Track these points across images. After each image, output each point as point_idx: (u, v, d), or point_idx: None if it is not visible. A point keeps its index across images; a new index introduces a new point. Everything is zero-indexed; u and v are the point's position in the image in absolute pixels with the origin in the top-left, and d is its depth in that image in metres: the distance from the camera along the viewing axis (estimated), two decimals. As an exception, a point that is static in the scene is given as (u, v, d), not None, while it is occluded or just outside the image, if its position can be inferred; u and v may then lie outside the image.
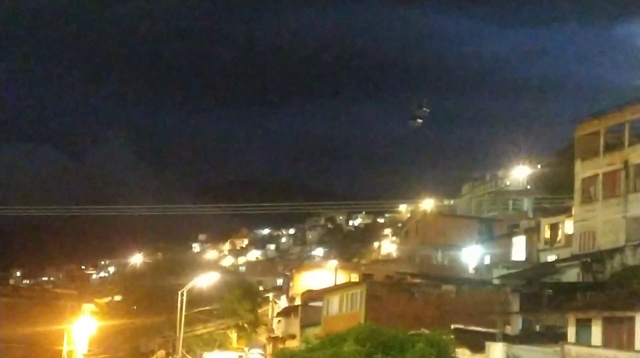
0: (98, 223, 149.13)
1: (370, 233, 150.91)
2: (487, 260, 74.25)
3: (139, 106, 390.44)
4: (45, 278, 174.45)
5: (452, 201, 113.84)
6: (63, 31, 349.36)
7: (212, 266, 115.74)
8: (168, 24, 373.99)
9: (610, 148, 54.95)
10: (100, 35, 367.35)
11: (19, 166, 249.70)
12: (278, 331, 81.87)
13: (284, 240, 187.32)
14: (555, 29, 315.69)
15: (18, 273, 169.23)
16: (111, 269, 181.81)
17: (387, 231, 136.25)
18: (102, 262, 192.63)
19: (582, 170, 56.92)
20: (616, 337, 35.36)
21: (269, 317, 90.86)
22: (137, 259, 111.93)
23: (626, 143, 53.41)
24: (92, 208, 76.20)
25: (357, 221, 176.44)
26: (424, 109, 52.21)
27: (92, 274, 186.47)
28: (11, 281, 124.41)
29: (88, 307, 48.42)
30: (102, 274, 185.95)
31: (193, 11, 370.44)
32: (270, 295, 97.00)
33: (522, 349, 36.52)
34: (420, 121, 54.21)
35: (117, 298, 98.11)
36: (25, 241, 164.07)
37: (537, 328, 45.21)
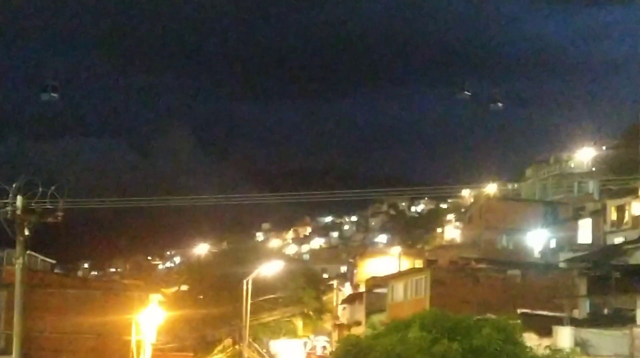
0: (163, 214, 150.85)
1: (433, 218, 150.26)
2: (552, 244, 73.58)
3: (199, 97, 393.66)
4: (112, 270, 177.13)
5: (515, 185, 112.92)
6: (125, 25, 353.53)
7: (276, 254, 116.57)
8: (227, 15, 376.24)
9: (677, 127, 54.07)
10: (163, 28, 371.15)
11: (85, 160, 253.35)
12: (343, 318, 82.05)
13: (346, 227, 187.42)
14: (618, 8, 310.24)
15: (86, 265, 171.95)
16: (177, 259, 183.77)
17: (450, 216, 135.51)
18: (168, 253, 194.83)
19: (649, 150, 56.06)
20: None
21: (334, 304, 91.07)
22: (202, 249, 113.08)
23: (693, 122, 52.51)
24: (157, 198, 76.90)
25: (420, 207, 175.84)
26: (466, 92, 51.96)
27: (158, 264, 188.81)
28: (79, 273, 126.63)
29: (155, 297, 48.86)
30: (168, 264, 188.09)
31: (252, 2, 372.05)
32: (335, 283, 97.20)
33: (590, 332, 36.14)
34: (500, 104, 53.96)
35: (184, 288, 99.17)
36: (92, 234, 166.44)
37: (605, 311, 44.67)
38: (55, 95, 47.51)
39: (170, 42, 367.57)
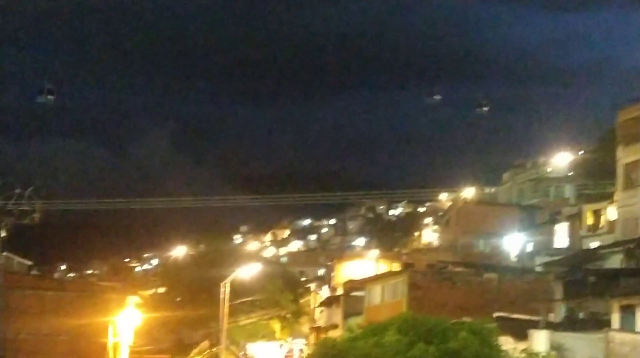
0: (141, 216, 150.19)
1: (411, 222, 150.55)
2: (529, 248, 73.96)
3: (178, 98, 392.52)
4: (89, 272, 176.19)
5: (493, 189, 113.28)
6: (101, 25, 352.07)
7: (254, 257, 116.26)
8: (207, 17, 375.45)
9: (652, 132, 54.48)
10: (140, 29, 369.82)
11: (62, 161, 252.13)
12: (320, 321, 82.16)
13: (324, 230, 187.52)
14: (597, 13, 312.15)
15: (63, 267, 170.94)
16: (154, 261, 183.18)
17: (428, 220, 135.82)
18: (145, 255, 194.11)
19: (625, 156, 56.44)
20: (661, 323, 35.12)
21: (311, 307, 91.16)
22: (179, 251, 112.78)
23: (669, 128, 52.95)
24: (134, 200, 76.77)
25: (398, 211, 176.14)
26: (435, 96, 52.28)
27: (135, 267, 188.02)
28: (56, 275, 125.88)
29: (132, 299, 48.77)
30: (145, 266, 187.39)
31: (232, 6, 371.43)
32: (312, 286, 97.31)
33: (565, 336, 36.35)
34: (485, 108, 54.32)
35: (161, 290, 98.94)
36: (69, 236, 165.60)
37: (581, 315, 44.94)
38: (51, 97, 47.46)
39: (149, 44, 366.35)
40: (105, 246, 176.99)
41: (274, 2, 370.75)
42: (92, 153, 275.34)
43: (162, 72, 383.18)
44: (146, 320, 53.89)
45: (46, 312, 41.53)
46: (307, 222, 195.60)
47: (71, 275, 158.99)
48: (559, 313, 46.44)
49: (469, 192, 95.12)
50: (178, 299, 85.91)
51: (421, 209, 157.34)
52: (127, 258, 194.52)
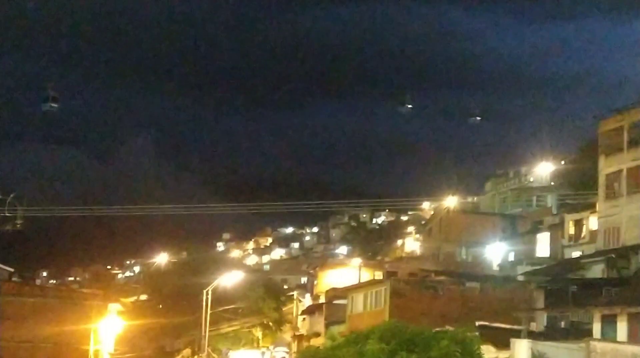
0: (123, 223, 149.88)
1: (393, 230, 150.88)
2: (511, 257, 74.07)
3: (161, 106, 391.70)
4: (71, 278, 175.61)
5: (475, 198, 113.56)
6: (84, 32, 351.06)
7: (237, 265, 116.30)
8: (188, 24, 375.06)
9: (634, 143, 54.75)
10: (122, 35, 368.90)
11: (44, 167, 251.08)
12: (303, 329, 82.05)
13: (307, 238, 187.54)
14: (578, 24, 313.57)
15: (44, 274, 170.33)
16: (136, 269, 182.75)
17: (411, 228, 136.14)
18: (128, 262, 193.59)
19: (606, 166, 56.72)
20: (642, 332, 35.29)
21: (294, 315, 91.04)
22: (162, 259, 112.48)
23: (650, 138, 53.25)
24: (117, 208, 76.53)
25: (381, 219, 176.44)
26: (407, 105, 52.44)
27: (117, 274, 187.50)
28: (38, 282, 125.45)
29: (114, 307, 48.68)
30: (127, 274, 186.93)
31: (216, 15, 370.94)
32: (295, 293, 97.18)
33: (547, 345, 36.45)
34: (478, 118, 54.66)
35: (143, 297, 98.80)
36: (51, 242, 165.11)
37: (562, 324, 45.11)
38: (55, 105, 47.54)
39: (132, 51, 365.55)
40: (87, 253, 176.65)
41: (256, 12, 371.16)
42: (75, 160, 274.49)
43: (145, 79, 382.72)
44: (128, 328, 53.79)
45: (27, 319, 41.43)
46: (290, 230, 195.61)
47: (53, 281, 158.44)
48: (540, 322, 46.58)
49: (451, 201, 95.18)
50: (160, 306, 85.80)
51: (404, 218, 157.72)
52: (109, 265, 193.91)
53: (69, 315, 41.99)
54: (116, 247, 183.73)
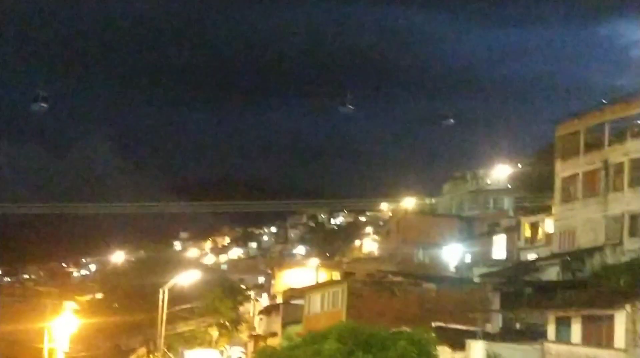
0: (79, 220, 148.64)
1: (351, 231, 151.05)
2: (467, 259, 74.59)
3: (118, 103, 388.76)
4: (26, 276, 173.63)
5: (433, 200, 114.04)
6: (44, 30, 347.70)
7: (194, 264, 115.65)
8: (149, 22, 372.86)
9: (590, 147, 55.33)
10: (80, 33, 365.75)
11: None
12: (259, 329, 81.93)
13: (265, 238, 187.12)
14: (537, 28, 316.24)
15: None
16: (92, 267, 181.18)
17: (369, 229, 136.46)
18: (84, 260, 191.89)
19: (563, 169, 57.30)
20: (595, 334, 35.65)
21: (251, 314, 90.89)
22: (118, 257, 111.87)
23: (606, 143, 53.83)
24: (73, 205, 75.97)
25: (339, 220, 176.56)
26: (348, 105, 52.60)
27: (73, 272, 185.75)
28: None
29: (69, 305, 48.34)
30: (83, 272, 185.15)
31: (177, 13, 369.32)
32: (252, 293, 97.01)
33: (502, 347, 36.78)
34: (452, 120, 54.98)
35: (99, 296, 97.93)
36: (5, 239, 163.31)
37: (517, 326, 45.51)
38: (45, 105, 47.46)
39: (91, 48, 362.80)
40: (43, 250, 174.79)
41: (218, 10, 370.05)
42: (31, 156, 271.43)
43: (103, 76, 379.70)
44: (83, 326, 53.39)
45: (-20, 317, 40.97)
46: (248, 230, 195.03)
47: (7, 279, 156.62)
48: (496, 323, 46.96)
49: (409, 202, 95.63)
50: (116, 305, 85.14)
51: (362, 219, 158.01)
52: (64, 263, 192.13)
53: (23, 313, 41.67)
54: (72, 245, 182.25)
